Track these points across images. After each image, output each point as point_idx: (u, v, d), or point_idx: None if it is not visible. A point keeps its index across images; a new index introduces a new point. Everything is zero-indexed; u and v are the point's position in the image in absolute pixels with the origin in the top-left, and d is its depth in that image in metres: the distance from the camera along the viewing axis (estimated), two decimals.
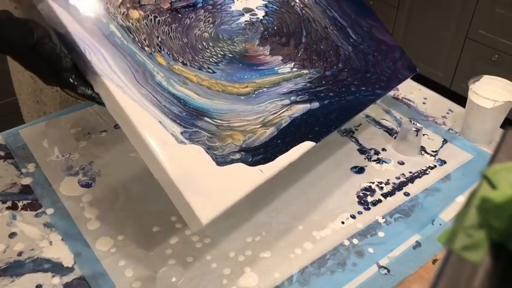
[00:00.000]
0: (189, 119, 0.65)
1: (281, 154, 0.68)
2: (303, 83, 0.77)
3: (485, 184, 0.28)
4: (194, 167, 0.60)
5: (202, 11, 0.73)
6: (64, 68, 0.58)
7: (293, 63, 0.78)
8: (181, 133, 0.62)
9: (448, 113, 0.97)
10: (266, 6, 0.81)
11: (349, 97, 0.79)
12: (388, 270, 0.65)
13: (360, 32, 0.89)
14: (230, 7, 0.77)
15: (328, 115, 0.76)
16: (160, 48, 0.68)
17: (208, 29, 0.73)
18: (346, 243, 0.68)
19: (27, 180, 0.77)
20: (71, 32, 0.60)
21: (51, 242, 0.67)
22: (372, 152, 0.86)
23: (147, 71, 0.65)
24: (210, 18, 0.74)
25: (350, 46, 0.86)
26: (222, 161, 0.63)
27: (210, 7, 0.74)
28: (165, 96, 0.64)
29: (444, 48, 2.25)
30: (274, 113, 0.72)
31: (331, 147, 0.86)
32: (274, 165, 0.67)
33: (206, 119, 0.66)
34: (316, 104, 0.76)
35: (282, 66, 0.77)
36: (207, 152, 0.62)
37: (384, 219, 0.72)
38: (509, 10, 1.93)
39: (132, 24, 0.67)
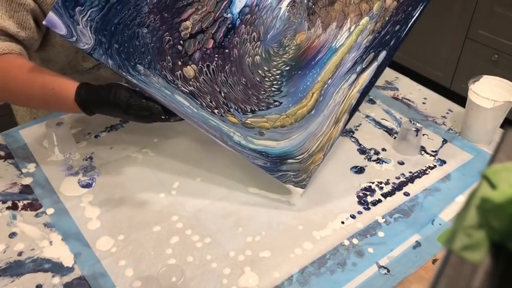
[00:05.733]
0: (274, 167, 0.68)
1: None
2: (366, 39, 0.71)
3: (485, 184, 0.28)
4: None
5: (243, 26, 0.67)
6: (155, 114, 0.65)
7: (349, 20, 0.70)
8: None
9: (448, 113, 0.97)
10: None
11: (415, 12, 0.72)
12: (388, 270, 0.65)
13: None
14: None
15: (393, 47, 0.72)
16: (228, 106, 0.67)
17: (257, 48, 0.68)
18: (346, 243, 0.68)
19: (27, 180, 0.77)
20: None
21: (51, 242, 0.67)
22: (372, 152, 0.86)
23: (223, 134, 0.67)
24: (254, 33, 0.68)
25: None
26: (308, 184, 0.71)
27: (249, 16, 0.67)
28: (247, 153, 0.67)
29: (444, 48, 2.24)
30: (343, 101, 0.70)
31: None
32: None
33: (289, 161, 0.69)
34: (383, 54, 0.72)
35: (338, 36, 0.71)
36: (295, 186, 0.69)
37: (384, 219, 0.72)
38: (509, 10, 1.93)
39: (194, 87, 0.66)
